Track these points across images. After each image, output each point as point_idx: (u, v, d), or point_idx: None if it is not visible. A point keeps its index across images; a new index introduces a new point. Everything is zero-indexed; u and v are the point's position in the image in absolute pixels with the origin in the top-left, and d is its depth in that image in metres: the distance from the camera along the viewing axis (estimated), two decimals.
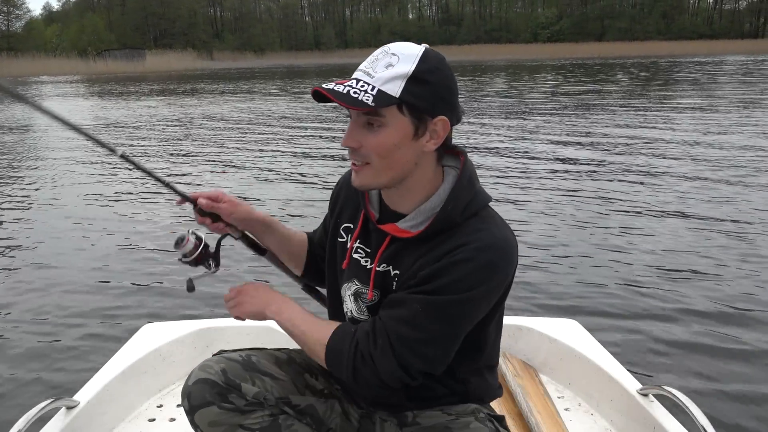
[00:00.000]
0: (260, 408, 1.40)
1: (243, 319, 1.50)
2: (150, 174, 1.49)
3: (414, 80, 1.20)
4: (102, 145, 1.42)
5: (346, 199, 1.52)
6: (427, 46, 1.25)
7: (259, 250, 1.64)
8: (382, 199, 1.42)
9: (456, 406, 1.42)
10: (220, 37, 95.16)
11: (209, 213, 1.52)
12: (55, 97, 27.47)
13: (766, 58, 44.94)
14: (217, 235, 1.58)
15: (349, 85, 1.20)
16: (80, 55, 69.45)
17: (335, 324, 1.39)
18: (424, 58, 1.21)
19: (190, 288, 1.54)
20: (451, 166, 1.36)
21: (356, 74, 1.23)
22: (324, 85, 1.21)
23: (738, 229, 5.46)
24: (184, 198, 1.51)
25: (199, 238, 1.54)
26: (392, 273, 1.36)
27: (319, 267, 1.64)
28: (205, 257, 1.55)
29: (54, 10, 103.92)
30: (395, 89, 1.20)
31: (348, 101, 1.18)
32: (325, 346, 1.34)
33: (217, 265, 1.57)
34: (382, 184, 1.31)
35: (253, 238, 1.61)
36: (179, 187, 1.51)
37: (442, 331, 1.25)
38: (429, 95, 1.22)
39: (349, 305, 1.44)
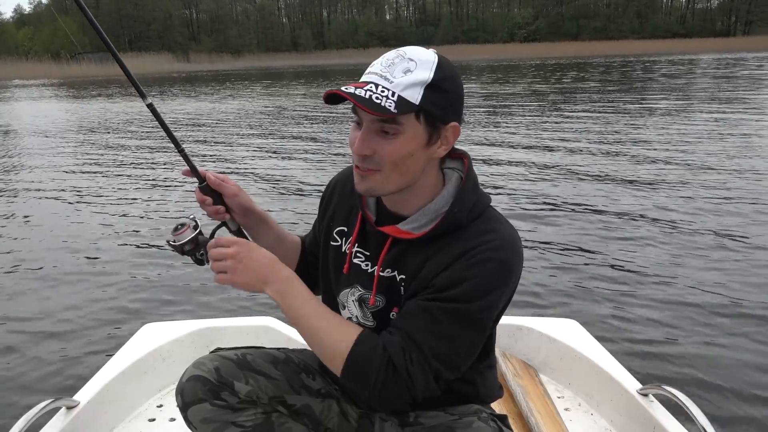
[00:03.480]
0: (253, 406, 1.39)
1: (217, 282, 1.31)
2: (169, 133, 1.47)
3: (432, 88, 1.18)
4: (136, 87, 1.42)
5: (339, 202, 1.49)
6: (436, 50, 1.24)
7: None
8: (379, 201, 1.39)
9: (458, 406, 1.42)
10: (196, 39, 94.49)
11: (212, 193, 1.47)
12: (29, 101, 27.07)
13: (738, 56, 45.70)
14: (212, 228, 1.54)
15: (369, 90, 1.17)
16: (53, 58, 68.46)
17: (355, 328, 1.29)
18: (440, 65, 1.20)
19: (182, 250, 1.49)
20: (452, 168, 1.35)
21: (372, 77, 1.20)
22: (344, 88, 1.17)
23: (740, 229, 5.44)
24: (194, 170, 1.47)
25: (196, 226, 1.49)
26: (398, 278, 1.33)
27: (309, 273, 1.60)
28: (198, 247, 1.50)
29: (25, 13, 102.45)
30: (415, 96, 1.17)
31: (371, 107, 1.15)
32: (346, 356, 1.24)
33: (207, 258, 1.52)
34: (388, 191, 1.27)
35: (247, 235, 1.57)
36: (192, 160, 1.47)
37: (471, 337, 1.25)
38: (445, 103, 1.21)
39: (354, 311, 1.41)
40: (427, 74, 1.18)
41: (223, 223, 1.54)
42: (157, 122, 1.48)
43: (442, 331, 1.22)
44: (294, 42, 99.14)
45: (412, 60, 1.18)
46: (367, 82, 1.18)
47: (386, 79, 1.17)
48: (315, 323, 1.27)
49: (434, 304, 1.23)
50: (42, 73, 57.90)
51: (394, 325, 1.28)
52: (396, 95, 1.16)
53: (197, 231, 1.48)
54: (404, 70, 1.17)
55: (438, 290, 1.23)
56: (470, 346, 1.26)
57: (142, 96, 1.43)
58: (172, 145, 1.50)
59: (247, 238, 1.54)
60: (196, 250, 1.49)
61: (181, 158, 1.47)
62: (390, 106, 1.15)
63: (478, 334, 1.26)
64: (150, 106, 1.44)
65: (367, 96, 1.15)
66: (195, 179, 1.48)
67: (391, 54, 1.21)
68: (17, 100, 28.20)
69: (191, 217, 1.51)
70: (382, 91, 1.16)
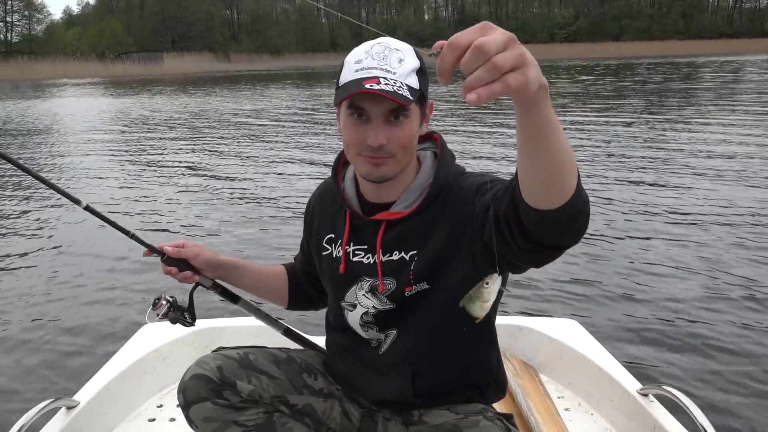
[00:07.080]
0: (255, 405, 1.40)
1: (511, 87, 0.80)
2: (115, 225, 1.57)
3: (421, 72, 1.28)
4: (67, 196, 1.51)
5: (321, 215, 1.54)
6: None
7: (232, 297, 1.66)
8: (362, 198, 1.43)
9: (463, 405, 1.42)
10: (236, 40, 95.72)
11: (176, 262, 1.54)
12: (75, 97, 27.93)
13: None
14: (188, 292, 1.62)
15: (387, 83, 1.22)
16: (99, 57, 70.24)
17: None
18: (416, 50, 1.30)
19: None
20: (425, 148, 1.44)
21: (374, 72, 1.24)
22: (367, 86, 1.21)
23: (740, 231, 5.38)
24: (151, 249, 1.54)
25: (171, 298, 1.58)
26: (407, 257, 1.36)
27: (304, 293, 1.65)
28: (180, 314, 1.58)
29: (74, 14, 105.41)
30: (415, 82, 1.26)
31: (399, 98, 1.21)
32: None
33: (193, 319, 1.61)
34: (397, 173, 1.34)
35: (224, 285, 1.64)
36: (146, 240, 1.57)
37: None
38: (428, 83, 1.32)
39: (368, 303, 1.42)
40: (415, 60, 1.27)
41: (197, 284, 1.61)
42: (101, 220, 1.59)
43: None
44: (332, 42, 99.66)
45: (398, 50, 1.27)
46: (376, 77, 1.23)
47: (387, 71, 1.24)
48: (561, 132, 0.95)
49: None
50: (88, 72, 59.38)
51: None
52: (404, 84, 1.24)
53: (173, 299, 1.58)
54: (398, 60, 1.25)
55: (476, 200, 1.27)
56: None
57: (76, 202, 1.52)
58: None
59: (226, 288, 1.64)
60: (181, 317, 1.59)
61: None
62: (406, 94, 1.22)
63: None
64: (87, 208, 1.54)
65: (390, 89, 1.21)
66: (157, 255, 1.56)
67: (376, 47, 1.27)
68: (68, 96, 29.10)
69: (165, 293, 1.61)
70: (394, 83, 1.22)
